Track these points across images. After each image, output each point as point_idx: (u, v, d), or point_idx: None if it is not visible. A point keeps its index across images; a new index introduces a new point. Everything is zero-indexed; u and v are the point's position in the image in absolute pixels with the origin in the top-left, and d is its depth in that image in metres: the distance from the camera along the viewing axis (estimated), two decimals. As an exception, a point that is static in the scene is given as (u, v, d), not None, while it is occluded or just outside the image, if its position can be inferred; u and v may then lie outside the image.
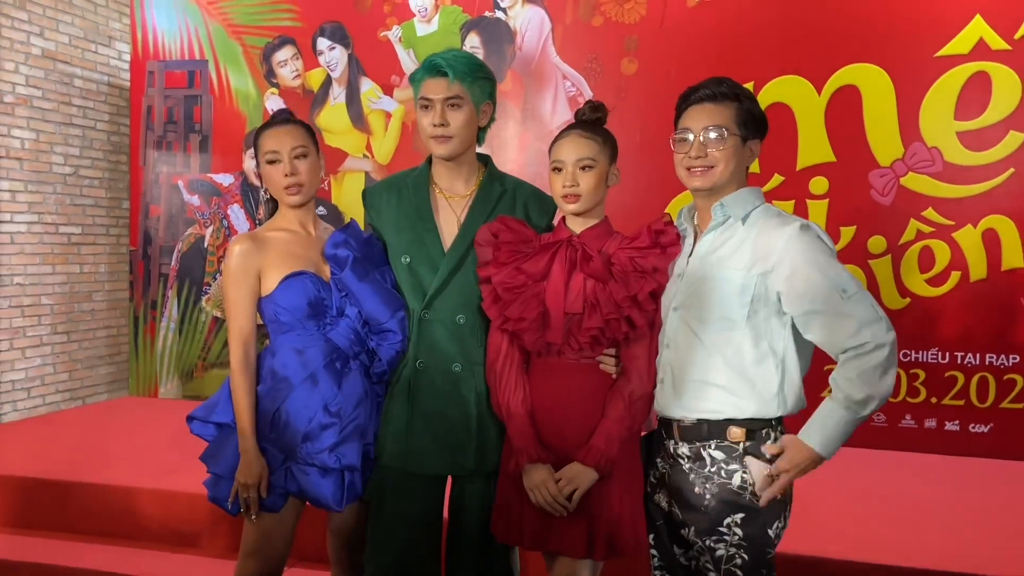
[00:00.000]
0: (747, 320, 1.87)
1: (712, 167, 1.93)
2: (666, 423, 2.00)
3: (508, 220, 2.16)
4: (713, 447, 1.90)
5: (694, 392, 1.92)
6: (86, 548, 3.51)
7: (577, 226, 2.13)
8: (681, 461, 1.95)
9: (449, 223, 2.25)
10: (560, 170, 2.08)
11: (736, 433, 1.88)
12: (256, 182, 5.51)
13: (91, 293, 5.83)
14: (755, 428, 1.88)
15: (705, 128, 1.92)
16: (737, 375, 1.88)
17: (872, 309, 1.81)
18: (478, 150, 2.35)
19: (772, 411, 1.88)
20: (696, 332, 1.93)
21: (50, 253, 5.49)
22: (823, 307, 1.81)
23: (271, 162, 2.26)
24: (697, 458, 1.92)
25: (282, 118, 2.32)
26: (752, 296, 1.86)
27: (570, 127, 2.13)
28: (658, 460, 2.05)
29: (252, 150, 2.36)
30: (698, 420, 1.92)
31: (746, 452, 1.88)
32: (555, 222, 2.26)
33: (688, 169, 1.96)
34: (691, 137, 1.95)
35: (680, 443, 1.95)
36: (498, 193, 2.27)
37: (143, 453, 4.24)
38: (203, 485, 2.26)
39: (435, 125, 2.17)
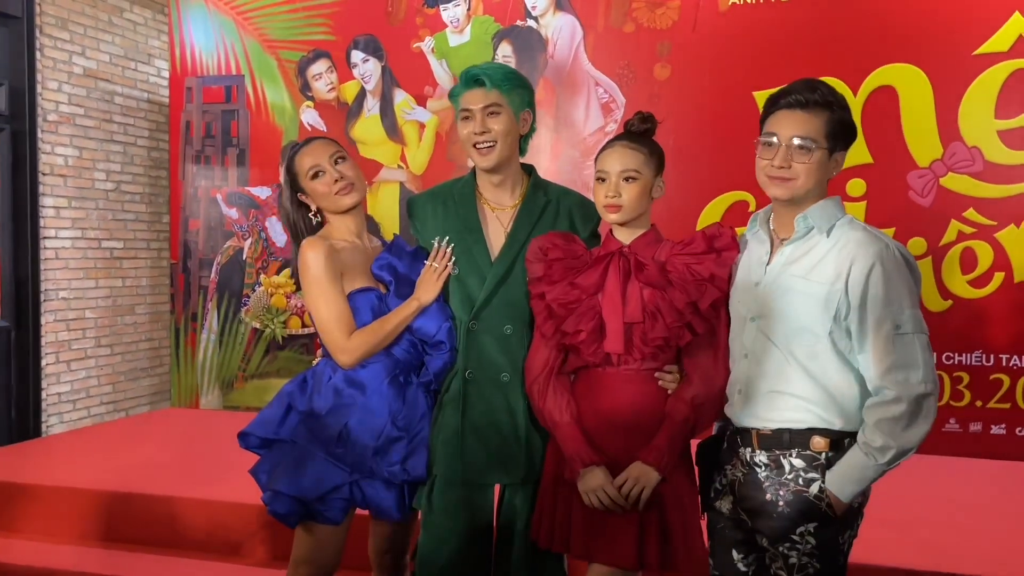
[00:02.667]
0: (829, 334, 1.84)
1: (794, 179, 1.88)
2: (743, 431, 1.96)
3: (557, 236, 2.16)
4: (794, 455, 1.87)
5: (775, 403, 1.90)
6: (130, 557, 3.55)
7: (625, 236, 2.11)
8: (757, 469, 1.92)
9: (497, 234, 2.27)
10: (604, 180, 2.07)
11: (820, 443, 1.85)
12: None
13: (133, 306, 5.93)
14: (838, 439, 1.85)
15: (792, 137, 1.87)
16: (820, 387, 1.86)
17: (916, 355, 1.78)
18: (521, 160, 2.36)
19: (856, 424, 1.85)
20: (776, 343, 1.90)
21: (93, 268, 5.60)
22: (873, 333, 1.80)
23: (315, 176, 2.28)
24: (776, 466, 1.89)
25: (305, 140, 2.36)
26: (836, 310, 1.83)
27: (617, 138, 2.12)
28: (727, 467, 2.01)
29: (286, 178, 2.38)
30: (779, 429, 1.89)
31: (828, 463, 1.85)
32: (601, 231, 2.26)
33: (769, 176, 1.92)
34: (776, 141, 1.89)
35: (758, 451, 1.92)
36: (543, 203, 2.28)
37: (185, 463, 4.29)
38: (262, 501, 2.25)
39: (476, 133, 2.19)
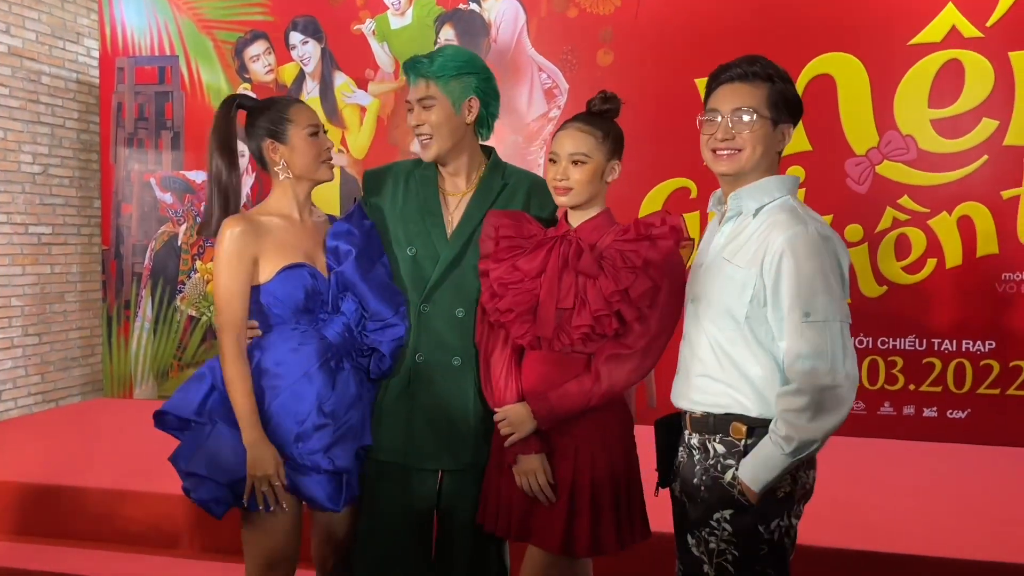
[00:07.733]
0: (746, 319, 1.80)
1: (739, 151, 1.83)
2: (683, 414, 1.97)
3: (512, 214, 2.14)
4: (717, 441, 1.86)
5: (702, 386, 1.89)
6: (63, 552, 3.45)
7: (575, 219, 2.09)
8: (693, 452, 1.92)
9: (455, 217, 2.24)
10: (555, 161, 2.06)
11: (739, 430, 1.83)
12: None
13: (63, 294, 5.74)
14: (758, 426, 1.82)
15: (734, 109, 1.83)
16: (739, 373, 1.83)
17: (824, 345, 1.70)
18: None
19: (773, 412, 1.81)
20: (703, 326, 1.89)
21: (20, 254, 5.39)
22: (786, 319, 1.75)
23: (313, 134, 2.20)
24: (704, 450, 1.89)
25: (292, 99, 2.29)
26: (751, 295, 1.79)
27: (574, 118, 2.09)
28: (680, 448, 2.00)
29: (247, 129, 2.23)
30: (705, 413, 1.89)
31: (745, 450, 1.82)
32: (559, 213, 2.24)
33: (714, 151, 1.87)
34: (719, 118, 1.85)
35: (692, 434, 1.92)
36: (499, 186, 2.25)
37: (119, 455, 4.18)
38: (183, 490, 2.11)
39: (413, 126, 2.20)
